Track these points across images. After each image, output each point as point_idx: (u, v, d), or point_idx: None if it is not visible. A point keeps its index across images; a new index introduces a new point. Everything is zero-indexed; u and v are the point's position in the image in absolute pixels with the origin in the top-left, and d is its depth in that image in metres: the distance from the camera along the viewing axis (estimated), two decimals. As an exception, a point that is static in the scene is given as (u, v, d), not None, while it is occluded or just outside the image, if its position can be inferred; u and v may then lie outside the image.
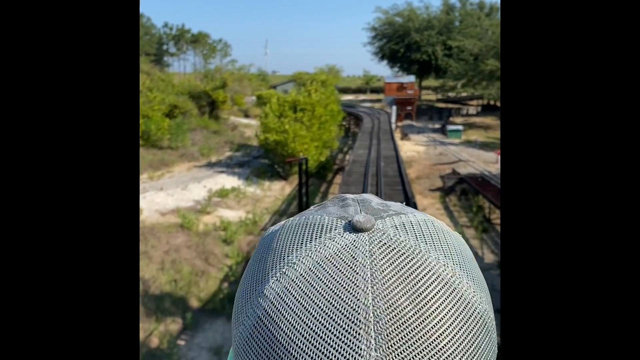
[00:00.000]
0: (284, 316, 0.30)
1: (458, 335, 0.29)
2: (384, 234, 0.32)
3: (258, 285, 0.33)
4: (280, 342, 0.29)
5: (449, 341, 0.29)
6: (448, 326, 0.29)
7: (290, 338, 0.29)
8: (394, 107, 27.45)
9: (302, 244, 0.33)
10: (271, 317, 0.30)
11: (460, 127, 25.85)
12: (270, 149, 15.67)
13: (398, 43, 44.61)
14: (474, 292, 0.32)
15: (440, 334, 0.28)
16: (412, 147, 22.24)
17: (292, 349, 0.28)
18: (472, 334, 0.30)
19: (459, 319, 0.30)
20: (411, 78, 37.30)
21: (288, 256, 0.32)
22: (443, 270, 0.31)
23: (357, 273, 0.30)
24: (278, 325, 0.30)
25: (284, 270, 0.32)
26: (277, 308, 0.30)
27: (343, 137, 23.48)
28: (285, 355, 0.29)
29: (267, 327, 0.30)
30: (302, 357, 0.28)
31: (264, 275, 0.33)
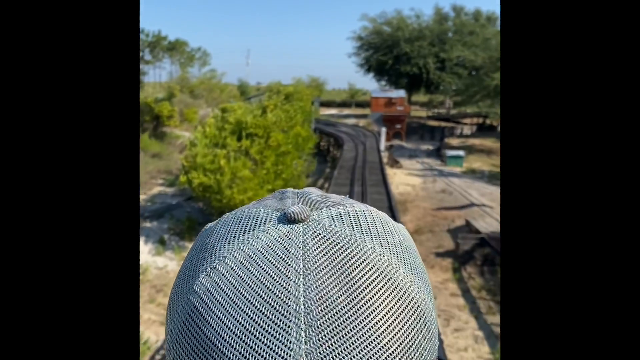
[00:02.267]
0: (213, 311, 0.29)
1: (393, 326, 0.28)
2: (319, 224, 0.31)
3: (188, 282, 0.32)
4: (209, 339, 0.28)
5: (383, 331, 0.28)
6: (382, 316, 0.28)
7: (218, 334, 0.28)
8: (383, 130, 22.68)
9: (234, 237, 0.32)
10: (200, 312, 0.30)
11: (461, 153, 21.41)
12: (197, 195, 10.59)
13: (386, 54, 40.38)
14: (411, 281, 0.31)
15: (375, 324, 0.28)
16: (405, 179, 17.73)
17: (221, 345, 0.28)
18: (407, 324, 0.29)
19: (394, 309, 0.29)
20: (401, 93, 32.97)
21: (220, 250, 0.32)
22: (378, 260, 0.30)
23: (289, 265, 0.29)
24: (207, 321, 0.29)
25: (214, 264, 0.31)
26: (206, 303, 0.30)
27: (319, 164, 18.91)
28: (214, 352, 0.28)
29: (196, 324, 0.29)
30: (230, 353, 0.27)
31: (194, 272, 0.32)
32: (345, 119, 40.64)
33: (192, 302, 0.30)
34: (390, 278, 0.30)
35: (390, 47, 40.23)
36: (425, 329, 0.30)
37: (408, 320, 0.29)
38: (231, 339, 0.28)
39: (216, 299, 0.29)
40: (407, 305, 0.30)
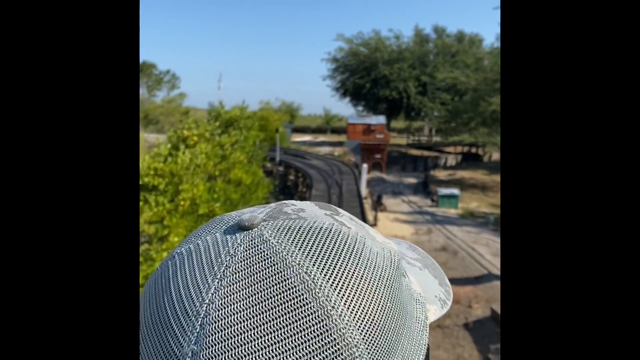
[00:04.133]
0: (146, 296, 0.33)
1: (291, 349, 0.27)
2: (261, 235, 0.31)
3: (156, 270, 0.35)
4: (142, 323, 0.31)
5: (276, 349, 0.27)
6: (281, 336, 0.27)
7: (144, 324, 0.31)
8: (364, 168, 18.46)
9: (199, 234, 0.35)
10: (142, 298, 0.33)
11: (455, 192, 17.71)
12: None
13: (363, 77, 37.07)
14: (334, 306, 0.28)
15: (270, 342, 0.27)
16: (392, 227, 13.85)
17: (144, 334, 0.31)
18: (311, 351, 0.27)
19: (300, 331, 0.27)
20: (380, 119, 29.45)
21: (186, 240, 0.36)
22: (300, 278, 0.29)
23: (212, 268, 0.30)
24: (144, 308, 0.32)
25: (174, 252, 0.35)
26: (149, 285, 0.33)
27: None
28: (142, 337, 0.31)
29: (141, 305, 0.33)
30: (146, 344, 0.30)
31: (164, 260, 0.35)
32: (320, 146, 36.99)
33: (151, 277, 0.34)
34: (306, 299, 0.28)
35: (368, 69, 36.99)
36: (319, 343, 0.28)
37: (312, 347, 0.27)
38: (150, 331, 0.30)
39: (151, 285, 0.33)
40: (318, 330, 0.28)
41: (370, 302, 0.30)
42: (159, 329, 0.29)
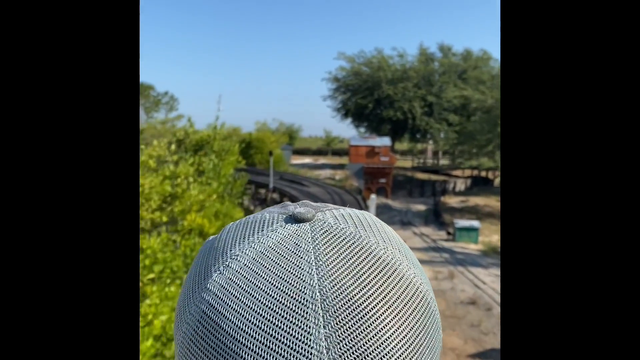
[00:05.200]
0: (230, 306, 0.30)
1: (402, 312, 0.30)
2: (324, 222, 0.33)
3: (201, 282, 0.32)
4: (227, 332, 0.29)
5: (395, 316, 0.30)
6: (393, 302, 0.30)
7: (237, 326, 0.29)
8: (373, 200, 15.32)
9: (244, 238, 0.34)
10: (216, 308, 0.30)
11: (475, 224, 15.38)
12: None
13: (366, 97, 35.16)
14: (414, 273, 0.33)
15: (387, 309, 0.30)
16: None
17: (240, 337, 0.28)
18: (415, 312, 0.31)
19: (402, 297, 0.31)
20: (385, 140, 27.40)
21: (230, 250, 0.33)
22: (384, 253, 0.32)
23: (301, 257, 0.31)
24: (224, 315, 0.30)
25: (227, 263, 0.32)
26: (221, 299, 0.30)
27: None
28: (233, 344, 0.29)
29: (212, 319, 0.30)
30: (251, 343, 0.28)
31: (206, 272, 0.33)
32: (320, 169, 34.85)
33: (206, 300, 0.31)
34: (396, 269, 0.32)
35: (371, 89, 35.11)
36: (431, 317, 0.32)
37: (416, 308, 0.31)
38: (250, 329, 0.28)
39: (232, 293, 0.30)
40: (413, 294, 0.32)
41: (417, 261, 0.36)
42: (268, 327, 0.28)
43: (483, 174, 30.62)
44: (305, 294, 0.29)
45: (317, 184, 22.71)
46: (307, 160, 44.55)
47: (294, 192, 19.86)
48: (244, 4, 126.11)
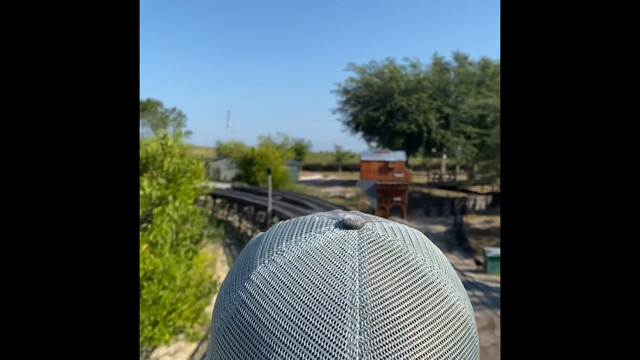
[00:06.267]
0: (270, 298, 0.30)
1: (440, 332, 0.30)
2: (373, 232, 0.34)
3: (245, 273, 0.33)
4: (264, 324, 0.29)
5: (432, 335, 0.29)
6: (432, 321, 0.30)
7: (274, 319, 0.29)
8: None
9: (292, 236, 0.34)
10: (256, 299, 0.30)
11: (510, 251, 12.90)
12: None
13: (378, 109, 33.10)
14: (458, 297, 0.33)
15: (424, 327, 0.29)
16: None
17: (276, 330, 0.29)
18: (454, 335, 0.31)
19: (442, 318, 0.30)
20: (400, 155, 25.24)
21: (277, 246, 0.33)
22: (429, 271, 0.32)
23: (346, 262, 0.31)
24: (262, 307, 0.30)
25: (272, 257, 0.33)
26: (262, 291, 0.31)
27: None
28: (268, 337, 0.29)
29: (251, 310, 0.30)
30: (285, 338, 0.28)
31: (251, 264, 0.33)
32: (329, 186, 32.76)
33: (248, 290, 0.31)
34: (440, 289, 0.32)
35: (383, 101, 33.07)
36: (469, 341, 0.32)
37: (456, 330, 0.31)
38: (286, 324, 0.29)
39: (272, 286, 0.31)
40: (454, 316, 0.31)
41: (462, 285, 0.36)
42: (304, 324, 0.28)
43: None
44: (346, 298, 0.29)
45: (324, 204, 20.56)
46: (316, 176, 42.67)
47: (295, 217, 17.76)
48: (250, 18, 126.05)
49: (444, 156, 35.54)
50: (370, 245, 0.32)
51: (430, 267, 0.33)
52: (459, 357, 0.30)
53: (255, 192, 19.01)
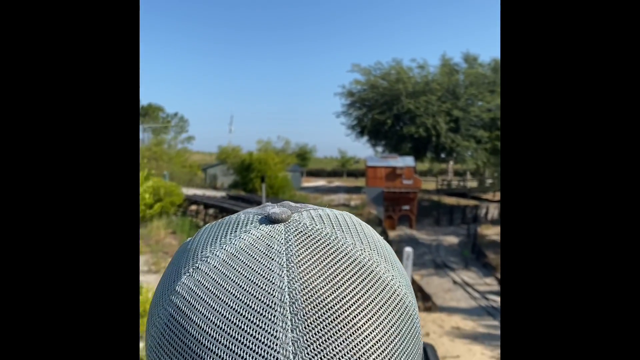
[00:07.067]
0: (197, 308, 0.29)
1: (377, 315, 0.29)
2: (300, 223, 0.33)
3: (170, 285, 0.32)
4: (193, 335, 0.28)
5: (368, 320, 0.29)
6: (366, 305, 0.29)
7: (203, 329, 0.28)
8: (409, 253, 9.89)
9: (216, 239, 0.33)
10: (183, 311, 0.29)
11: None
12: None
13: (384, 112, 31.53)
14: (392, 276, 0.32)
15: (359, 313, 0.29)
16: (458, 350, 7.68)
17: (206, 340, 0.28)
18: (391, 315, 0.30)
19: (377, 300, 0.30)
20: (408, 161, 23.72)
21: (201, 252, 0.32)
22: (360, 254, 0.31)
23: (272, 259, 0.30)
24: (190, 318, 0.29)
25: (196, 265, 0.31)
26: (189, 301, 0.30)
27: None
28: (198, 348, 0.28)
29: (179, 322, 0.29)
30: (215, 347, 0.27)
31: (176, 274, 0.32)
32: (334, 193, 31.20)
33: (174, 302, 0.30)
34: (372, 271, 0.31)
35: (389, 103, 31.50)
36: (409, 322, 0.31)
37: (392, 312, 0.30)
38: (216, 333, 0.28)
39: (199, 295, 0.29)
40: (389, 297, 0.31)
41: (402, 267, 0.35)
42: (233, 330, 0.28)
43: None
44: (274, 296, 0.28)
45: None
46: (320, 182, 41.22)
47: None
48: (251, 20, 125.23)
49: (451, 162, 33.93)
50: (297, 237, 0.31)
51: (361, 249, 0.32)
52: (398, 338, 0.30)
53: (251, 201, 17.52)
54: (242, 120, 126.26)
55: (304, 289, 0.28)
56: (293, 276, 0.29)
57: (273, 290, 0.28)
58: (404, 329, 0.30)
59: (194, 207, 18.75)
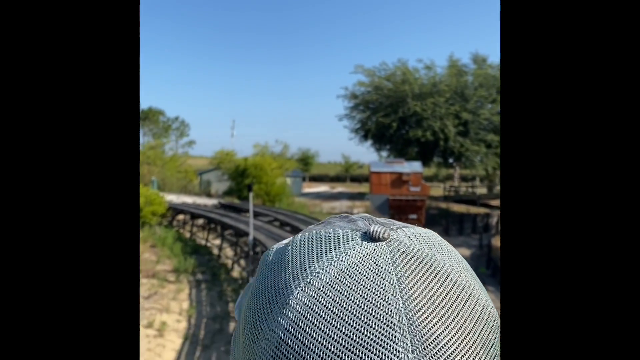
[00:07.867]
0: (315, 324, 0.29)
1: (481, 335, 0.31)
2: (400, 242, 0.33)
3: (280, 298, 0.32)
4: (314, 351, 0.29)
5: (475, 340, 0.30)
6: (472, 327, 0.30)
7: (323, 345, 0.28)
8: None
9: (321, 254, 0.33)
10: (300, 327, 0.30)
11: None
12: None
13: (389, 114, 30.04)
14: (486, 297, 0.34)
15: (468, 334, 0.30)
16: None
17: (327, 356, 0.28)
18: (488, 333, 0.31)
19: (479, 321, 0.31)
20: (416, 166, 22.19)
21: (310, 267, 0.32)
22: (458, 277, 0.33)
23: (384, 279, 0.31)
24: (309, 334, 0.29)
25: (308, 280, 0.31)
26: (306, 317, 0.30)
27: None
28: None
29: (297, 338, 0.29)
30: None
31: (285, 287, 0.32)
32: (336, 200, 29.66)
33: (289, 317, 0.30)
34: (471, 294, 0.32)
35: (394, 105, 29.99)
36: (498, 336, 0.33)
37: (489, 330, 0.32)
38: (337, 349, 0.28)
39: (316, 312, 0.30)
40: (488, 318, 0.32)
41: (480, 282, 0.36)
42: (356, 349, 0.28)
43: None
44: (392, 317, 0.29)
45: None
46: (323, 188, 39.75)
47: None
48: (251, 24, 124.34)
49: (456, 167, 32.39)
50: (402, 257, 0.32)
51: (458, 272, 0.33)
52: (496, 353, 0.31)
53: (244, 210, 15.92)
54: (244, 124, 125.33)
55: (418, 311, 0.29)
56: (407, 297, 0.30)
57: (390, 311, 0.29)
58: (497, 344, 0.32)
59: (181, 217, 17.31)
